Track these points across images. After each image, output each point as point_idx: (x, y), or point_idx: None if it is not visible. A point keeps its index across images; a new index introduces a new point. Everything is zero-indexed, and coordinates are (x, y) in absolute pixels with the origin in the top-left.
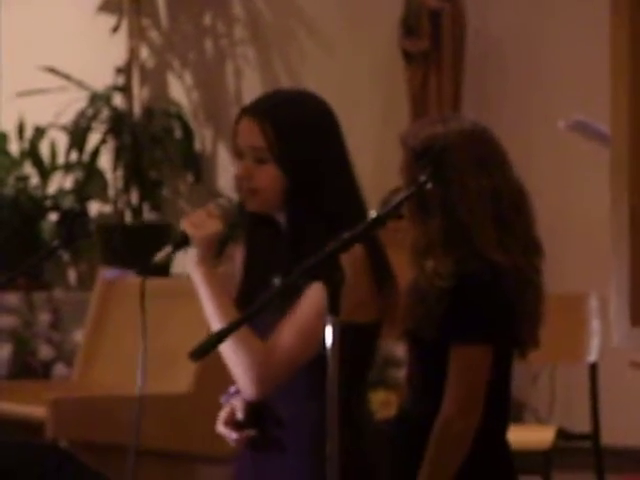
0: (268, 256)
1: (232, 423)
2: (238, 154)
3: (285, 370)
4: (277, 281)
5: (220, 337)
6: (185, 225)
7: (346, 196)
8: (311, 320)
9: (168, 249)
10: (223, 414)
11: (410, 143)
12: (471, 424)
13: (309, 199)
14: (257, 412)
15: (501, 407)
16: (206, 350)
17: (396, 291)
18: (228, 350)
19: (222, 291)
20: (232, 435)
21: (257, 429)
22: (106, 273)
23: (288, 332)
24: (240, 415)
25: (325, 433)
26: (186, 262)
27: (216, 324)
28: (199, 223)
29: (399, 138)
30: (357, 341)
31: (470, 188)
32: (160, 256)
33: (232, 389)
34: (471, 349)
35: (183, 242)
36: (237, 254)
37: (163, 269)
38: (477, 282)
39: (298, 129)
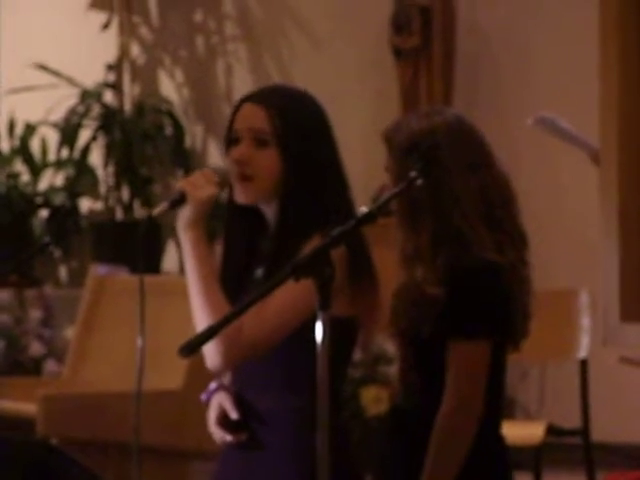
0: (247, 247)
1: (224, 423)
2: (234, 140)
3: (249, 351)
4: (259, 272)
5: (210, 334)
6: (183, 184)
7: (338, 194)
8: (285, 311)
9: (164, 204)
10: (213, 414)
11: (396, 140)
12: (473, 418)
13: (304, 191)
14: (241, 410)
15: (497, 401)
16: (196, 346)
17: (375, 292)
18: (201, 315)
19: (207, 259)
20: (227, 437)
21: (247, 430)
22: (97, 270)
23: (261, 317)
24: (234, 415)
25: (307, 431)
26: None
27: (195, 292)
28: (198, 184)
29: (383, 135)
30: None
31: (461, 190)
32: (157, 211)
33: (212, 386)
34: (470, 344)
35: (180, 200)
36: (217, 248)
37: (154, 265)
38: (472, 277)
39: (302, 120)
